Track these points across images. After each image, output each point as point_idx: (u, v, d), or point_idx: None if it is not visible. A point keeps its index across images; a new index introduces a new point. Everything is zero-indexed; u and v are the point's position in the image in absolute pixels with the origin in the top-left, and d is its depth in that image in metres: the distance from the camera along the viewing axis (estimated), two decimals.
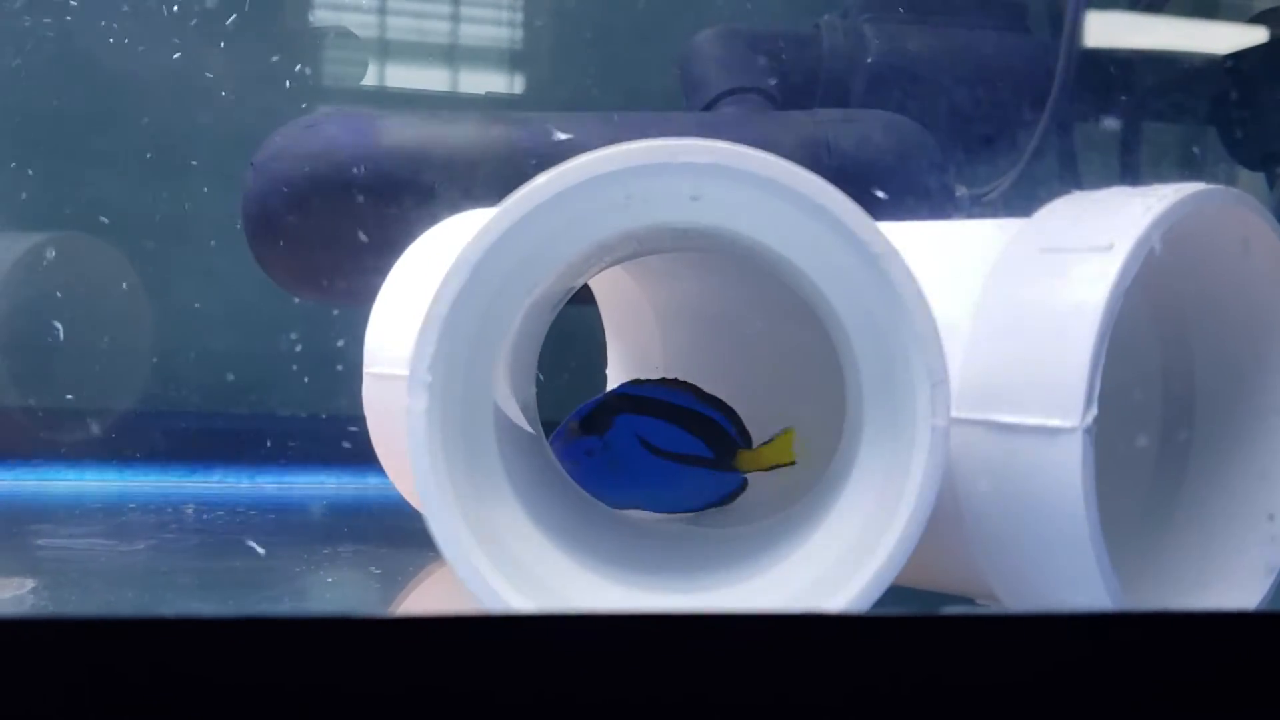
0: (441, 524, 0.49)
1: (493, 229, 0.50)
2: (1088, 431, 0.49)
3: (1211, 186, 0.54)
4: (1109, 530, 0.50)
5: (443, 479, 0.49)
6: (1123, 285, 0.50)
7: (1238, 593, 0.57)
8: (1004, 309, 0.54)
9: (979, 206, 1.11)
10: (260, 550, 0.81)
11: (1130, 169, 1.19)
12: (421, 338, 0.49)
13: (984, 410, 0.52)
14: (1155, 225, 0.51)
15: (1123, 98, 1.15)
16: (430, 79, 1.34)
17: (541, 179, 0.50)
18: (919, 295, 0.50)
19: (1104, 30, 1.14)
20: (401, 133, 0.96)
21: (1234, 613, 0.42)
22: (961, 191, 1.08)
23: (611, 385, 1.01)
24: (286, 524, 0.98)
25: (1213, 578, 0.58)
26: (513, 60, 1.33)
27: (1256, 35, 1.17)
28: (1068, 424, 0.49)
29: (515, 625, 0.39)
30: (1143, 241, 0.51)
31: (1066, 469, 0.49)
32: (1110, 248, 0.51)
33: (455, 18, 1.31)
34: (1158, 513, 0.62)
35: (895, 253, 0.50)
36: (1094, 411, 0.49)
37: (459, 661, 0.37)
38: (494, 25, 1.33)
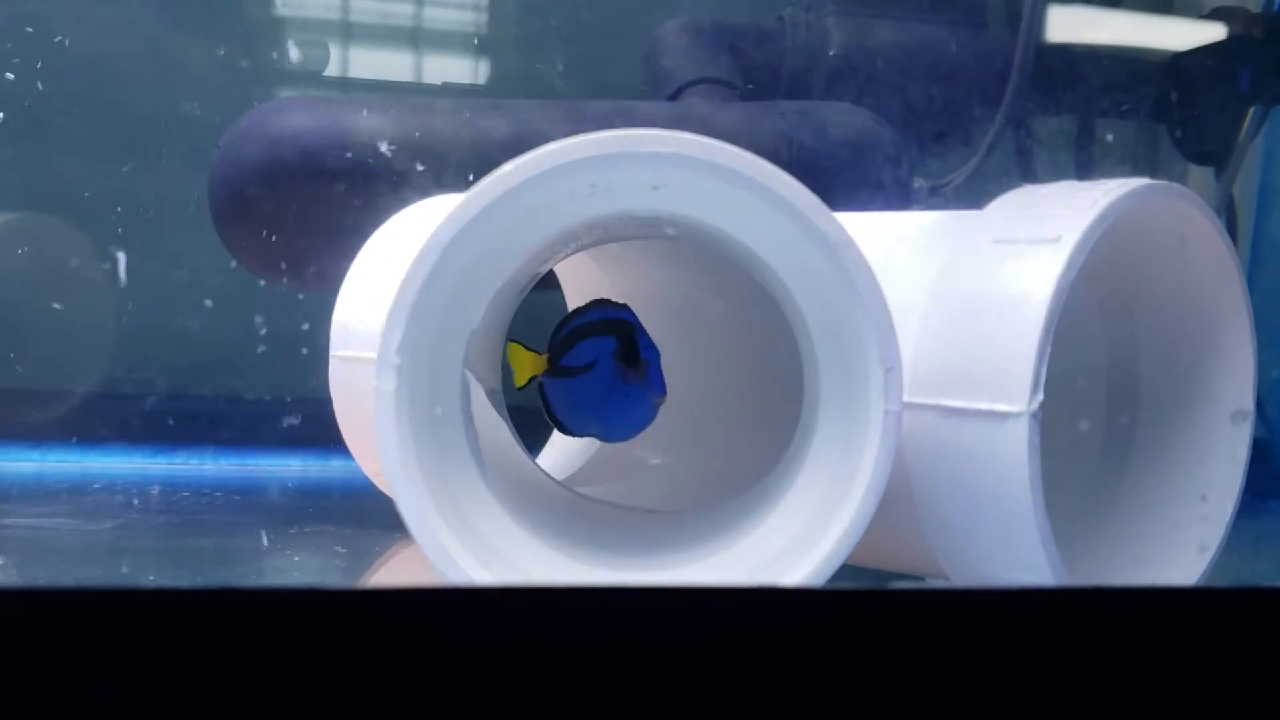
0: (409, 502, 0.50)
1: (460, 215, 0.51)
2: (1034, 416, 0.51)
3: (1155, 182, 0.56)
4: (1056, 511, 0.52)
5: (410, 459, 0.50)
6: (1069, 276, 0.52)
7: (1173, 570, 0.59)
8: (956, 297, 0.55)
9: (936, 198, 1.13)
10: None
11: (1084, 163, 1.21)
12: (390, 321, 0.50)
13: (935, 395, 0.54)
14: (1101, 219, 0.53)
15: (1077, 94, 1.18)
16: (392, 67, 1.34)
17: (509, 166, 0.51)
18: (874, 283, 0.51)
19: (1060, 26, 1.17)
20: (368, 118, 0.97)
21: (1165, 588, 0.44)
22: (919, 183, 1.10)
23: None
24: (252, 505, 0.98)
25: (1150, 556, 0.60)
26: (477, 49, 1.34)
27: (1204, 34, 1.20)
28: (1015, 409, 0.51)
29: (480, 598, 0.40)
30: (1088, 234, 0.53)
31: (1013, 452, 0.51)
32: (1058, 240, 0.53)
33: (419, 3, 1.31)
34: (1103, 495, 0.64)
35: (851, 242, 0.51)
36: (1040, 397, 0.51)
37: (425, 635, 0.38)
38: (457, 11, 1.33)
